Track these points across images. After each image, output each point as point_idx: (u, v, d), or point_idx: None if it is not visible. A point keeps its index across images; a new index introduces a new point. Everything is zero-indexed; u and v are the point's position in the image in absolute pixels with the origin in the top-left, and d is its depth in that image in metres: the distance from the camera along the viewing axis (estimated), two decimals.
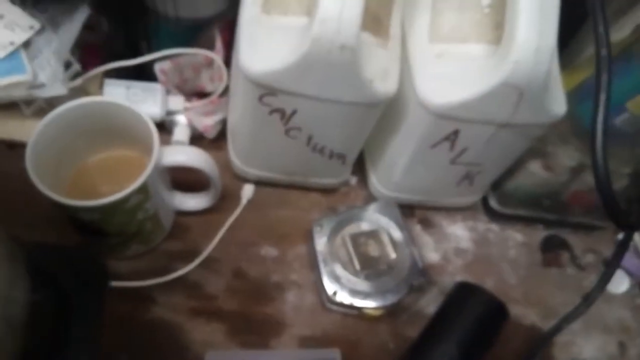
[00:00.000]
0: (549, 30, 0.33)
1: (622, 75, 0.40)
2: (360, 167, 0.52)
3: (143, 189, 0.37)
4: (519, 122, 0.38)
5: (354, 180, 0.52)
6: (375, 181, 0.49)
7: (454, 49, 0.38)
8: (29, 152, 0.36)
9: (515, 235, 0.52)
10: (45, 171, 0.37)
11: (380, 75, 0.36)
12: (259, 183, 0.50)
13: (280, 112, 0.38)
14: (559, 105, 0.38)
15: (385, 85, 0.36)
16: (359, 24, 0.32)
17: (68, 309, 0.39)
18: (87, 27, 0.47)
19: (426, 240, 0.50)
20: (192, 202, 0.46)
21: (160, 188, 0.40)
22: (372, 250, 0.45)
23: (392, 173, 0.46)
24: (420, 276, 0.45)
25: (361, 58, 0.34)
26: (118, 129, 0.41)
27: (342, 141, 0.42)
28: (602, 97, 0.31)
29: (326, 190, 0.51)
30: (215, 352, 0.34)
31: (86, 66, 0.48)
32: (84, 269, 0.41)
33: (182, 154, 0.39)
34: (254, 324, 0.44)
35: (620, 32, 0.39)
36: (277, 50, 0.35)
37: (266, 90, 0.36)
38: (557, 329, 0.44)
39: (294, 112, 0.38)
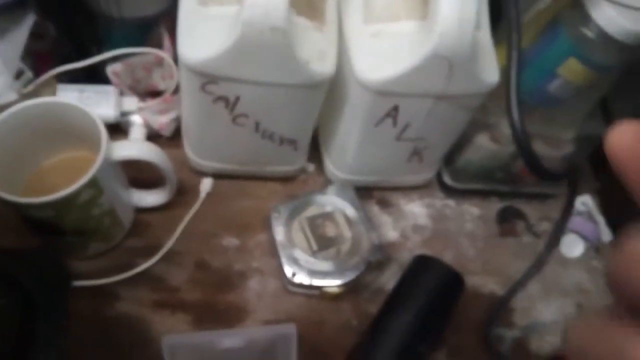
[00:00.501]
0: (470, 3, 0.35)
1: (550, 42, 0.42)
2: (316, 153, 0.53)
3: (93, 184, 0.38)
4: (454, 93, 0.39)
5: (311, 167, 0.53)
6: (331, 166, 0.50)
7: (387, 28, 0.39)
8: None
9: (472, 209, 0.54)
10: None
11: (316, 56, 0.37)
12: (217, 176, 0.51)
13: (224, 99, 0.39)
14: (491, 74, 0.40)
15: (322, 66, 0.38)
16: (286, 7, 0.33)
17: (31, 311, 0.39)
18: (36, 35, 0.47)
19: (384, 219, 0.52)
20: (150, 198, 0.46)
21: (113, 183, 0.41)
22: (329, 231, 0.46)
23: (344, 156, 0.48)
24: (378, 252, 0.46)
25: (294, 40, 0.35)
26: (70, 130, 0.42)
27: (290, 126, 0.44)
28: (514, 55, 0.33)
29: (284, 179, 0.52)
30: (172, 335, 0.35)
31: (40, 74, 0.48)
32: (46, 270, 0.42)
33: (132, 147, 0.40)
34: (218, 312, 0.45)
35: (544, 0, 0.41)
36: (214, 39, 0.36)
37: (207, 79, 0.37)
38: (511, 293, 0.46)
39: (237, 99, 0.39)
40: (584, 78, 0.41)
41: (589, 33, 0.39)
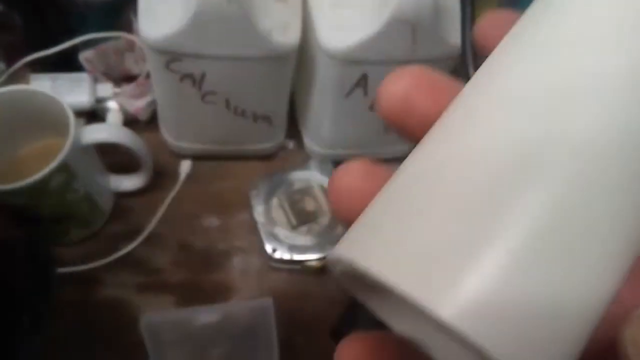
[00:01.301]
0: None
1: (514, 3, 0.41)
2: (295, 130, 0.53)
3: (64, 169, 0.38)
4: (422, 57, 0.39)
5: (291, 144, 0.53)
6: (309, 141, 0.50)
7: None
8: None
9: None
10: None
11: (278, 27, 0.37)
12: (196, 158, 0.51)
13: (190, 77, 0.39)
14: (458, 37, 0.39)
15: (285, 37, 0.37)
16: None
17: (16, 300, 0.40)
18: (4, 25, 0.47)
19: None
20: (128, 182, 0.46)
21: (87, 168, 0.41)
22: (308, 205, 0.46)
23: (320, 130, 0.47)
24: None
25: (254, 11, 0.35)
26: (43, 117, 0.42)
27: (261, 101, 0.43)
28: (467, 10, 0.33)
29: (264, 157, 0.52)
30: (150, 314, 0.35)
31: (12, 66, 0.48)
32: (29, 259, 0.42)
33: (101, 131, 0.40)
34: (202, 292, 0.45)
35: None
36: (173, 15, 0.36)
37: (170, 57, 0.37)
38: None
39: (203, 76, 0.39)
40: None
41: None
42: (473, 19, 0.34)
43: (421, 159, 0.12)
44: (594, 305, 0.10)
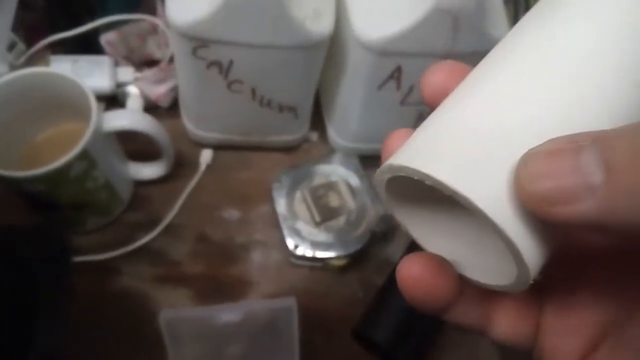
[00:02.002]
0: None
1: None
2: (320, 121, 0.51)
3: (85, 156, 0.36)
4: (462, 51, 0.37)
5: (314, 136, 0.51)
6: (334, 134, 0.48)
7: None
8: None
9: None
10: None
11: (311, 15, 0.35)
12: (219, 148, 0.49)
13: (217, 64, 0.37)
14: (502, 31, 0.37)
15: (318, 25, 0.36)
16: None
17: (33, 288, 0.39)
18: (26, 5, 0.46)
19: None
20: (147, 170, 0.45)
21: (107, 156, 0.40)
22: (332, 201, 0.45)
23: (347, 123, 0.46)
24: (383, 223, 0.44)
25: None
26: (63, 101, 0.40)
27: (288, 92, 0.42)
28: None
29: (287, 149, 0.50)
30: (169, 310, 0.34)
31: (33, 46, 0.47)
32: (45, 246, 0.41)
33: (124, 117, 0.39)
34: (220, 285, 0.44)
35: None
36: (203, 0, 0.34)
37: (198, 43, 0.35)
38: None
39: (230, 64, 0.37)
40: None
41: None
42: (527, 8, 0.32)
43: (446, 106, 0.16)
44: None
